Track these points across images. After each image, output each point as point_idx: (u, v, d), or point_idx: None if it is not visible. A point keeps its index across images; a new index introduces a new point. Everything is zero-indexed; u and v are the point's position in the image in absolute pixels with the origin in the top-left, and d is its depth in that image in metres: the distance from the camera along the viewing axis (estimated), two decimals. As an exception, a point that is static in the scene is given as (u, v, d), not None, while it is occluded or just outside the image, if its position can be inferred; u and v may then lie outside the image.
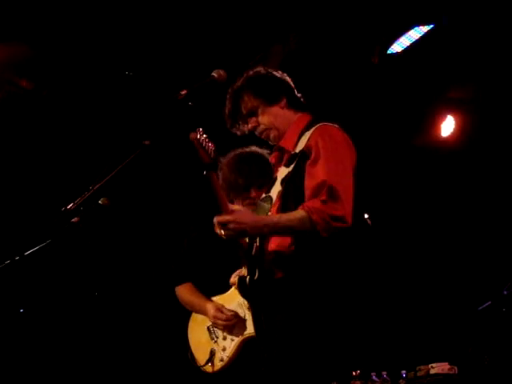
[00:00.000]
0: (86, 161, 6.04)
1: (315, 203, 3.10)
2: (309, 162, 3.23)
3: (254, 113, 3.44)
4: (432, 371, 5.50)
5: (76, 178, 5.15)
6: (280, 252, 3.20)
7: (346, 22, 5.86)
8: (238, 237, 3.17)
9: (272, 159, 3.56)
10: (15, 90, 5.96)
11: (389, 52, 6.21)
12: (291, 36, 5.88)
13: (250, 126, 3.47)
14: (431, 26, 6.00)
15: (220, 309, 3.76)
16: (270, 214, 3.27)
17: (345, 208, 3.11)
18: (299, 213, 3.10)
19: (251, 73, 3.52)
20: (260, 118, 3.43)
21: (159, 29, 5.66)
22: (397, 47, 6.20)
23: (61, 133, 6.26)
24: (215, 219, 3.11)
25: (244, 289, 3.24)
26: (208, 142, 3.04)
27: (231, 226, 3.07)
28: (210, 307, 3.84)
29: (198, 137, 3.01)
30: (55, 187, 6.11)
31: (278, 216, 3.19)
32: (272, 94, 3.45)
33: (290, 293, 3.14)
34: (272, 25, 5.74)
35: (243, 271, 3.43)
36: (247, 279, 3.20)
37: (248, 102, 3.44)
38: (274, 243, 3.23)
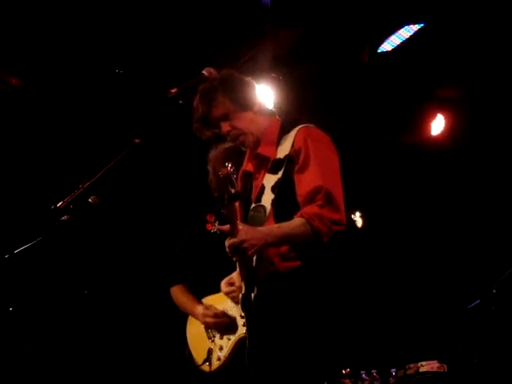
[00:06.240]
0: (76, 159, 6.02)
1: (313, 209, 3.09)
2: (297, 166, 3.21)
3: (227, 117, 3.35)
4: (421, 369, 5.53)
5: (66, 176, 5.15)
6: (280, 261, 3.18)
7: (337, 20, 5.86)
8: (252, 253, 3.12)
9: (249, 167, 3.49)
10: (4, 87, 5.95)
11: (379, 51, 6.22)
12: (281, 34, 5.87)
13: (224, 129, 3.36)
14: (421, 24, 6.01)
15: (208, 307, 3.78)
16: (267, 223, 3.22)
17: (341, 211, 3.12)
18: (299, 220, 3.08)
19: (224, 75, 3.39)
20: (234, 123, 3.35)
21: (150, 27, 5.65)
22: (387, 46, 6.21)
23: (50, 130, 6.24)
24: (226, 244, 3.11)
25: (248, 306, 3.21)
26: (234, 175, 3.05)
27: (243, 246, 3.05)
28: (198, 308, 3.87)
29: (228, 171, 3.02)
30: (45, 185, 6.09)
31: (277, 226, 3.16)
32: (247, 99, 3.38)
33: (291, 294, 3.13)
34: (262, 22, 5.73)
35: (234, 278, 3.43)
36: (252, 296, 3.17)
37: (222, 105, 3.33)
38: (271, 253, 3.20)
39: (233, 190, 3.01)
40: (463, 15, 5.81)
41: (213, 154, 3.98)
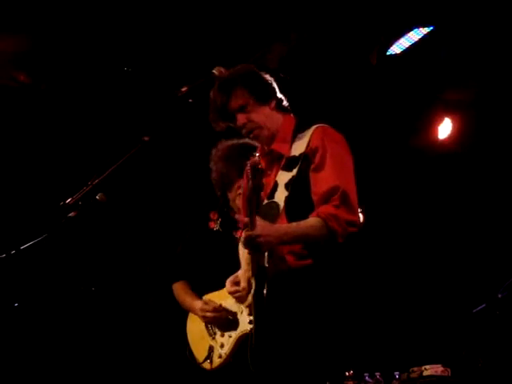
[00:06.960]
0: (84, 156, 6.03)
1: (329, 209, 3.10)
2: (314, 165, 3.22)
3: (244, 109, 3.34)
4: (425, 373, 5.51)
5: (74, 173, 5.15)
6: (292, 259, 3.19)
7: (346, 22, 5.86)
8: (266, 249, 3.12)
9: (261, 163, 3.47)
10: (14, 84, 5.97)
11: (388, 53, 6.22)
12: (292, 35, 5.88)
13: (240, 121, 3.35)
14: (431, 27, 6.01)
15: (206, 301, 3.77)
16: (279, 220, 3.21)
17: (356, 213, 3.14)
18: (316, 220, 3.09)
19: (244, 69, 3.42)
20: (251, 116, 3.34)
21: (159, 24, 5.65)
22: (396, 49, 6.21)
23: (59, 127, 6.25)
24: (243, 236, 3.10)
25: (260, 303, 3.15)
26: (260, 166, 3.07)
27: (259, 240, 3.04)
28: (197, 303, 3.86)
29: (254, 163, 3.03)
30: (53, 182, 6.10)
31: (295, 224, 3.15)
32: (265, 93, 3.39)
33: (302, 292, 3.14)
34: (273, 23, 5.74)
35: (240, 277, 3.41)
36: (264, 293, 3.13)
37: (241, 97, 3.33)
38: (284, 250, 3.20)
39: (257, 182, 3.02)
40: (472, 18, 5.80)
41: (215, 152, 4.00)
